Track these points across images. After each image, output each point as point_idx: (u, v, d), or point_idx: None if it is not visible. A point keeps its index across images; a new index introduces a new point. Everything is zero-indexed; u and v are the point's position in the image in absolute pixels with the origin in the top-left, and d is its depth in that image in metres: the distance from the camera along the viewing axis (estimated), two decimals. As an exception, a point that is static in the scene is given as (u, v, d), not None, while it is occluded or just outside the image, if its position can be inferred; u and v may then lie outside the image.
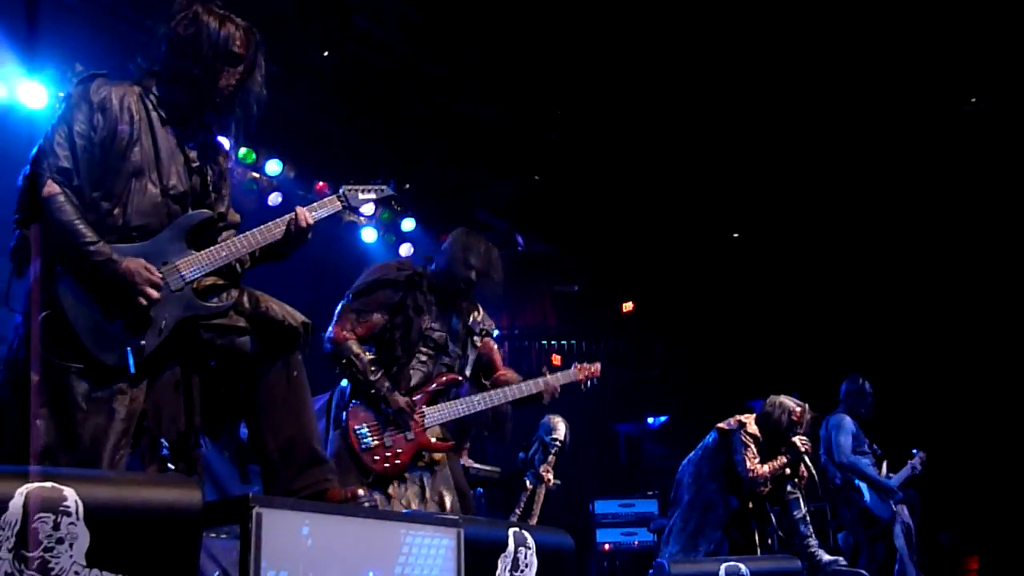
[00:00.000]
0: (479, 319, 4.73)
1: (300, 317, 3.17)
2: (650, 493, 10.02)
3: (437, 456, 4.47)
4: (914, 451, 7.89)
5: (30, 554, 2.05)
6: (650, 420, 12.67)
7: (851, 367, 8.01)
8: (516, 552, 3.28)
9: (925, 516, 8.59)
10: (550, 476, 6.63)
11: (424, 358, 4.49)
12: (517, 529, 3.36)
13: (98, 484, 2.26)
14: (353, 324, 4.40)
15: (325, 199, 3.44)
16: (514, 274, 10.16)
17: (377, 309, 4.44)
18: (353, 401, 4.37)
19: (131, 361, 2.82)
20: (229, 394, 3.19)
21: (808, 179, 9.44)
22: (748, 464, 6.00)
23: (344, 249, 8.92)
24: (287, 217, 3.22)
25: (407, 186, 9.18)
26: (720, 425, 6.31)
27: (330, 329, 4.40)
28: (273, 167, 8.16)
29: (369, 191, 3.57)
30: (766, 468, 6.01)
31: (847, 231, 10.07)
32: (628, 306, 11.94)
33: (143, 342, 2.89)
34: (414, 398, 4.40)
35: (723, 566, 4.82)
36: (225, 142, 7.53)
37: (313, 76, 7.82)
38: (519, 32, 7.77)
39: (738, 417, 6.27)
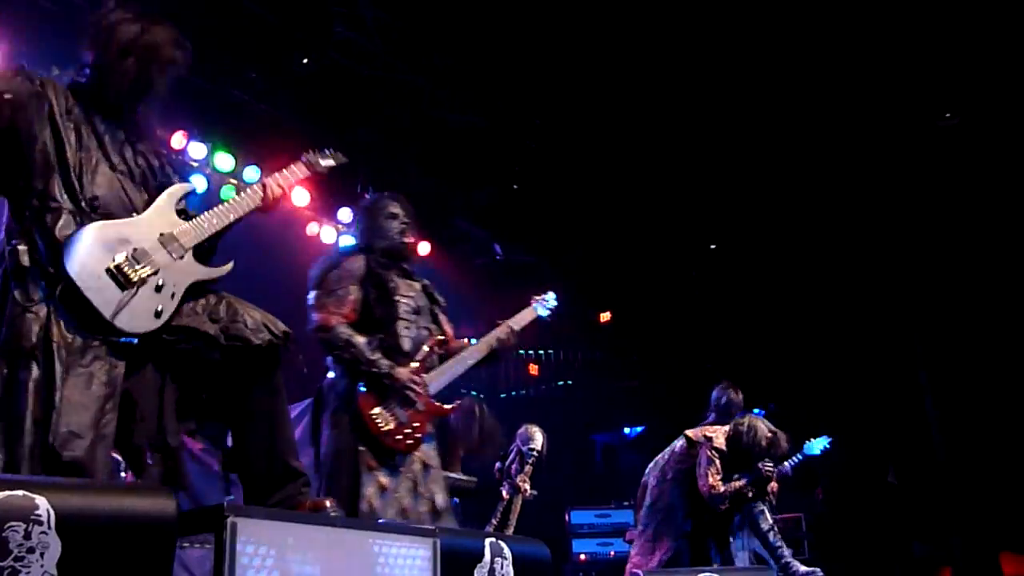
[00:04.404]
0: (433, 292, 4.76)
1: (280, 327, 3.19)
2: (626, 503, 10.02)
3: (430, 455, 4.42)
4: (807, 446, 7.43)
5: (0, 564, 2.03)
6: (627, 430, 12.70)
7: (827, 379, 8.01)
8: (492, 562, 3.27)
9: (898, 526, 8.62)
10: (527, 486, 6.63)
11: (407, 323, 4.45)
12: (493, 539, 3.35)
13: (70, 492, 2.23)
14: (336, 306, 4.34)
15: (292, 166, 3.66)
16: (492, 283, 10.19)
17: (350, 282, 4.40)
18: (359, 387, 4.29)
19: (141, 326, 2.90)
20: (211, 398, 3.20)
21: (785, 192, 9.49)
22: (709, 480, 5.98)
23: (309, 250, 8.82)
24: (258, 187, 3.36)
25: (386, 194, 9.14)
26: (688, 433, 6.31)
27: (314, 318, 4.33)
28: (251, 174, 8.13)
29: (328, 157, 3.85)
30: (724, 488, 5.98)
31: (824, 243, 10.14)
32: (605, 316, 11.96)
33: (160, 307, 2.94)
34: (411, 368, 4.36)
35: (699, 577, 4.84)
36: (187, 146, 7.46)
37: (292, 83, 7.80)
38: (498, 41, 7.78)
39: (705, 430, 6.25)
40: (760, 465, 6.04)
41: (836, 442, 7.71)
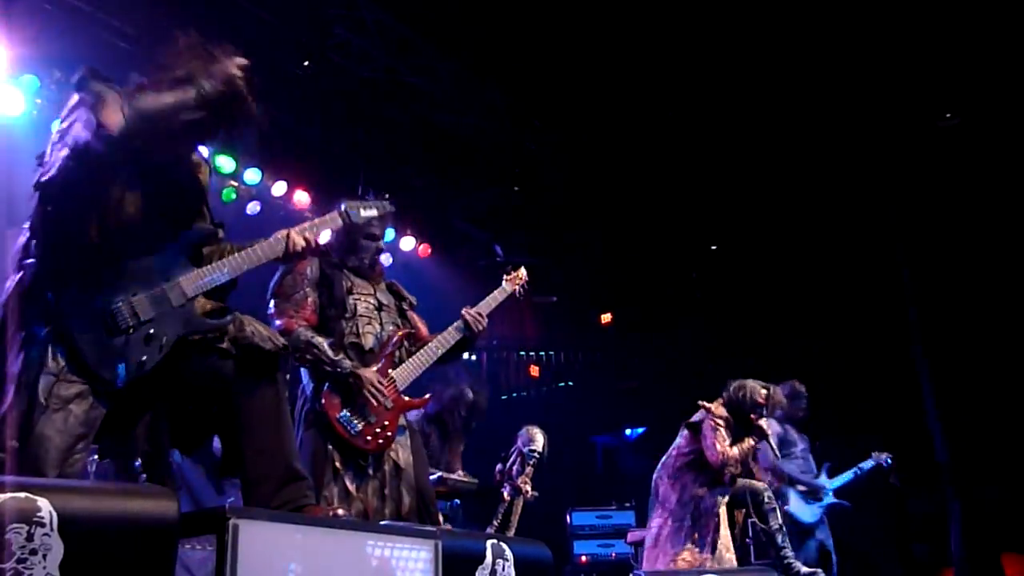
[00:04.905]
0: (400, 290, 4.75)
1: (281, 340, 3.19)
2: (627, 504, 10.01)
3: (403, 457, 4.41)
4: (875, 456, 7.84)
5: (3, 565, 2.03)
6: (628, 431, 12.69)
7: (828, 379, 8.03)
8: (494, 564, 3.27)
9: (900, 528, 8.60)
10: (528, 487, 6.63)
11: (368, 320, 4.45)
12: (495, 541, 3.35)
13: (73, 495, 2.23)
14: (295, 310, 4.33)
15: (326, 216, 3.51)
16: (493, 284, 10.19)
17: (304, 285, 4.38)
18: (324, 386, 4.26)
19: (121, 375, 2.81)
20: (200, 412, 3.18)
21: (786, 193, 9.49)
22: (718, 447, 5.93)
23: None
24: (281, 236, 3.24)
25: (387, 196, 9.16)
26: (689, 421, 6.30)
27: (277, 325, 4.28)
28: (252, 176, 8.14)
29: (371, 207, 3.70)
30: (736, 451, 5.96)
31: (825, 243, 10.13)
32: (606, 317, 11.97)
33: (144, 358, 2.87)
34: (376, 367, 4.34)
35: (700, 578, 4.84)
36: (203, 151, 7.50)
37: (293, 85, 7.81)
38: (498, 43, 7.79)
39: (703, 404, 6.25)
40: (760, 422, 6.07)
41: (838, 444, 7.76)
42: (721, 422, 6.06)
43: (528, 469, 6.67)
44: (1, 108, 6.39)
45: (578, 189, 9.74)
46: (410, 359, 4.49)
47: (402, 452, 4.42)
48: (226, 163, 7.96)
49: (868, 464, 7.85)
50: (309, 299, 4.38)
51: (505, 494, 6.64)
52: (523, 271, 5.15)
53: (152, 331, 2.89)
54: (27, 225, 2.91)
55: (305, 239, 3.28)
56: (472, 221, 10.17)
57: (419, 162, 9.14)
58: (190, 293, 2.99)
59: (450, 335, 4.60)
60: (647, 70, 8.01)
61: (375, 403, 4.26)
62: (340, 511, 3.20)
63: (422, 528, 3.41)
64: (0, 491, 2.08)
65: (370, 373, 4.28)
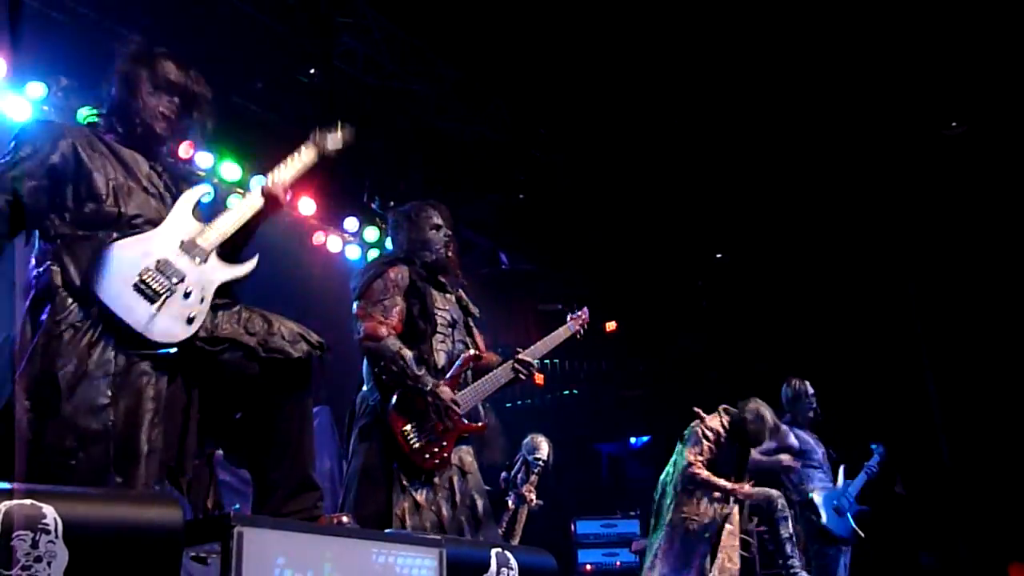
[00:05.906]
0: (467, 304, 4.70)
1: (314, 338, 3.18)
2: (632, 513, 10.02)
3: (467, 462, 4.38)
4: (872, 447, 7.58)
5: (8, 572, 2.03)
6: (632, 440, 12.69)
7: (833, 387, 7.99)
8: (498, 573, 3.26)
9: (906, 536, 8.58)
10: (533, 496, 6.62)
11: (442, 338, 4.40)
12: (499, 549, 3.34)
13: (77, 501, 2.23)
14: (384, 315, 4.26)
15: (295, 153, 3.60)
16: (497, 292, 10.21)
17: (394, 292, 4.32)
18: (391, 402, 4.20)
19: (176, 335, 2.91)
20: (246, 419, 3.19)
21: (791, 201, 9.49)
22: (691, 457, 5.88)
23: (314, 260, 8.82)
24: (258, 189, 3.38)
25: (391, 203, 9.17)
26: (684, 434, 6.25)
27: (362, 327, 4.24)
28: (257, 184, 8.12)
29: (337, 138, 3.77)
30: (706, 474, 5.88)
31: (830, 251, 10.13)
32: (611, 325, 11.94)
33: (191, 313, 2.94)
34: (445, 381, 4.30)
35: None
36: (193, 155, 7.52)
37: (298, 93, 7.82)
38: (504, 51, 7.81)
39: (699, 411, 6.18)
40: (755, 452, 6.02)
41: (846, 453, 7.73)
42: (711, 435, 5.98)
43: (532, 477, 6.67)
44: (8, 115, 6.40)
45: (583, 196, 9.74)
46: (475, 384, 4.44)
47: (466, 457, 4.40)
48: (231, 170, 7.96)
49: (874, 460, 7.51)
50: (397, 307, 4.32)
51: (509, 502, 6.63)
52: (586, 311, 5.19)
53: (188, 288, 2.96)
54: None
55: (281, 183, 3.40)
56: (476, 228, 10.17)
57: (424, 169, 9.14)
58: (208, 248, 3.08)
59: (502, 375, 4.54)
60: (652, 78, 8.02)
61: (450, 419, 4.21)
62: (345, 519, 3.19)
63: (427, 536, 3.40)
64: (7, 498, 2.08)
65: (448, 394, 4.22)
